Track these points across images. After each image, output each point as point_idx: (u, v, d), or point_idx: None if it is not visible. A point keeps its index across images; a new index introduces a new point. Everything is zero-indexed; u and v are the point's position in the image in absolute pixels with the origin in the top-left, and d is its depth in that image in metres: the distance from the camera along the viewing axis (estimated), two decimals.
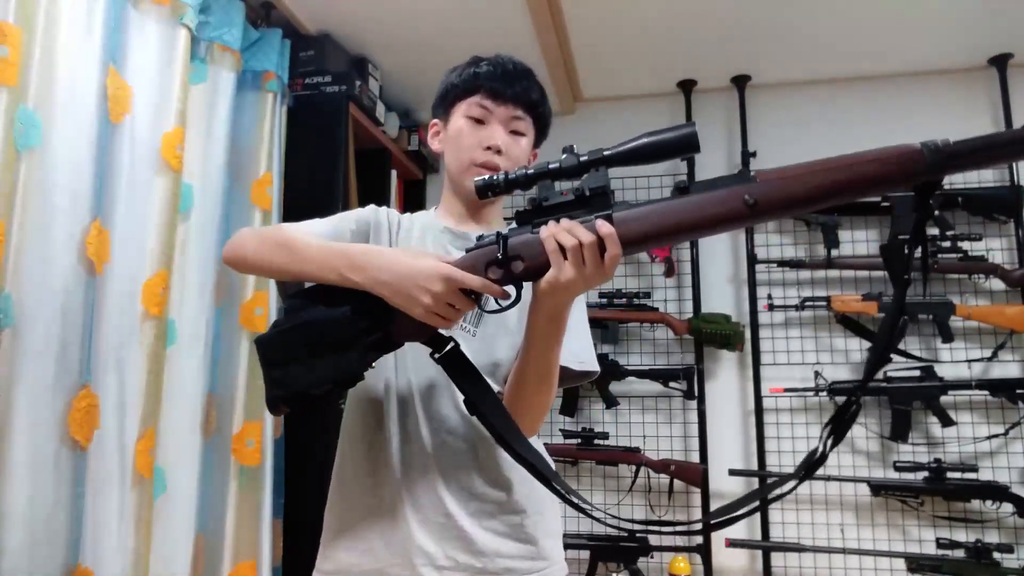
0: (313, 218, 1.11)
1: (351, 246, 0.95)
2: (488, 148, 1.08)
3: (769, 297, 2.48)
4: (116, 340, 1.51)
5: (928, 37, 2.34)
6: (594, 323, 2.53)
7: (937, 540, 2.21)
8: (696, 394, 2.47)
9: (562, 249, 0.83)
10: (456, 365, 0.92)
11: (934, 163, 0.73)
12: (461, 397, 0.97)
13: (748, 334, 2.49)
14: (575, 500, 0.89)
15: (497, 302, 0.89)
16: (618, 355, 2.57)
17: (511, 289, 0.90)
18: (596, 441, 2.45)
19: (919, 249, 0.79)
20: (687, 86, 2.69)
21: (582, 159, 0.85)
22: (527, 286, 0.91)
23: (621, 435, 2.56)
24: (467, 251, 0.92)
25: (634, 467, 2.44)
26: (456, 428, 1.04)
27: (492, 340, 1.06)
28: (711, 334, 2.44)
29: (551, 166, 0.86)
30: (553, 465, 0.95)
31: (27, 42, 1.34)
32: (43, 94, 1.37)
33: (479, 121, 1.10)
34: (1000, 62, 2.45)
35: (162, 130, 1.65)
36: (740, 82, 2.63)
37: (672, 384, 2.46)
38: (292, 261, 0.94)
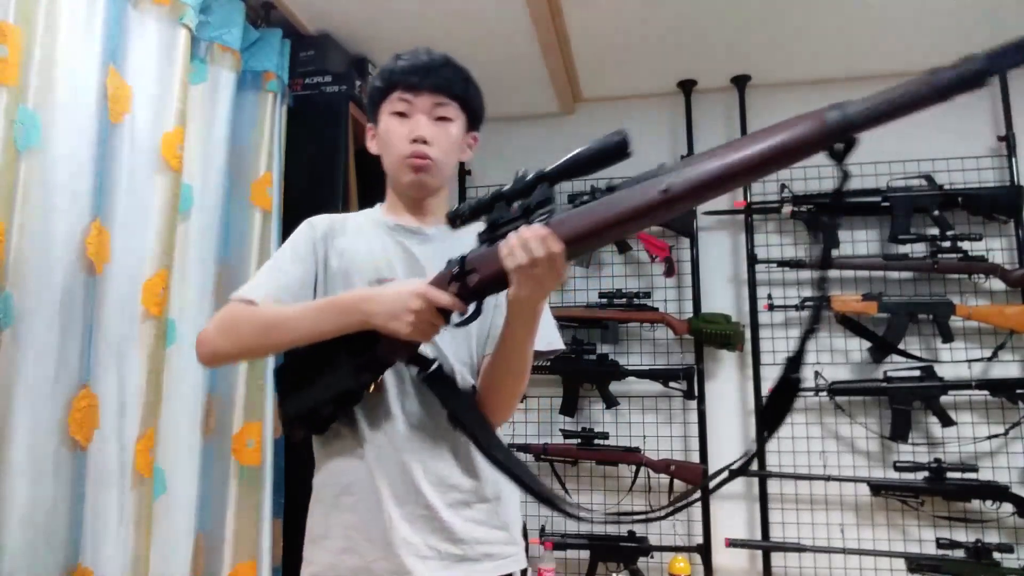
0: (312, 216, 1.18)
1: (341, 297, 1.02)
2: (415, 140, 1.11)
3: (769, 297, 2.48)
4: (116, 340, 1.51)
5: (928, 37, 2.34)
6: (594, 323, 2.54)
7: (937, 540, 2.21)
8: (696, 394, 2.46)
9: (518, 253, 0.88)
10: (440, 383, 1.01)
11: (841, 126, 0.73)
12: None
13: (748, 334, 2.49)
14: (551, 498, 0.95)
15: (460, 315, 0.97)
16: (618, 355, 2.57)
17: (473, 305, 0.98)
18: (596, 441, 2.45)
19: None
20: (687, 86, 2.68)
21: (527, 179, 0.91)
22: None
23: (621, 435, 2.56)
24: (438, 274, 0.99)
25: (634, 467, 2.44)
26: (430, 422, 1.07)
27: (466, 334, 1.11)
28: (711, 334, 2.44)
29: (504, 190, 0.93)
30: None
31: (27, 42, 1.35)
32: (43, 94, 1.37)
33: (403, 115, 1.13)
34: None
35: (162, 130, 1.65)
36: (740, 82, 2.63)
37: (672, 384, 2.46)
38: (283, 335, 1.02)
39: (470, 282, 0.93)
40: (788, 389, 0.79)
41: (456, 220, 0.96)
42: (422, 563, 1.02)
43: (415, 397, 1.07)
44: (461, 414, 1.00)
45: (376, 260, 1.12)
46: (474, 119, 1.19)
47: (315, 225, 1.17)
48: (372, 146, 1.20)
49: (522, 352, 1.03)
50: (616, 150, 0.84)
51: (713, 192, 0.79)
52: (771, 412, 0.81)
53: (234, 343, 1.04)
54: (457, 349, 1.10)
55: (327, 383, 1.02)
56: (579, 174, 0.88)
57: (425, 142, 1.11)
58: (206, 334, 1.05)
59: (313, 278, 1.12)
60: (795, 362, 0.79)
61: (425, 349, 1.03)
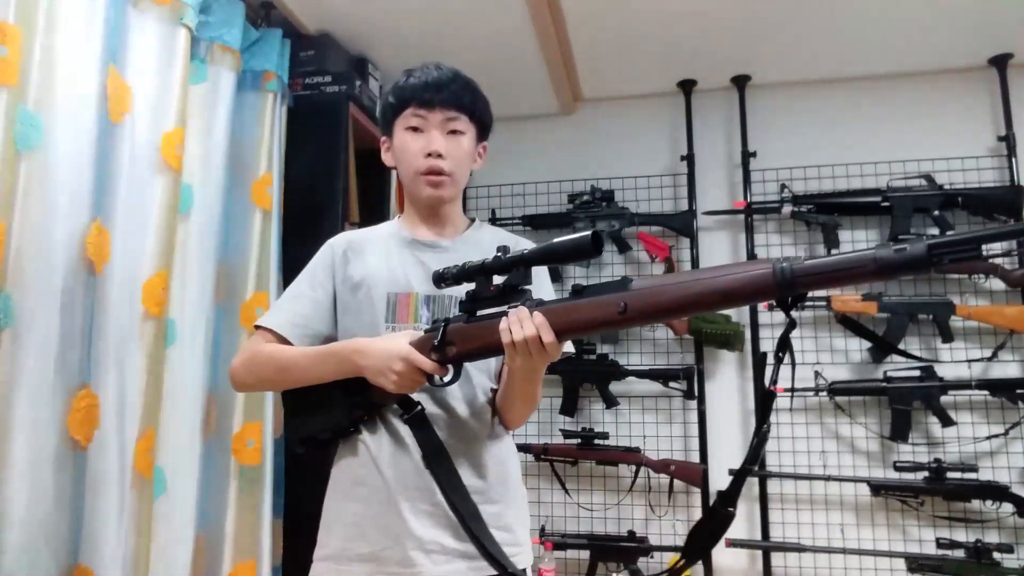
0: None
1: (338, 348, 1.12)
2: (429, 155, 1.17)
3: None
4: (116, 340, 1.51)
5: (928, 37, 2.34)
6: None
7: (937, 540, 2.21)
8: (696, 394, 2.47)
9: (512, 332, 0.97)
10: (420, 425, 1.09)
11: (783, 284, 0.80)
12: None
13: (748, 334, 2.49)
14: (491, 552, 1.05)
15: (440, 379, 1.07)
16: (618, 355, 2.57)
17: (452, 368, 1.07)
18: (596, 441, 2.45)
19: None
20: (687, 86, 2.68)
21: (508, 258, 1.00)
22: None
23: (621, 435, 2.56)
24: (425, 331, 1.08)
25: (634, 467, 2.44)
26: (445, 426, 1.12)
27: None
28: (711, 334, 2.44)
29: (487, 263, 1.01)
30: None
31: (27, 42, 1.34)
32: (43, 94, 1.37)
33: (417, 130, 1.18)
34: (1000, 62, 2.45)
35: (162, 130, 1.65)
36: (740, 82, 2.63)
37: (672, 384, 2.46)
38: (293, 377, 1.15)
39: (448, 353, 1.04)
40: (721, 520, 0.91)
41: (440, 283, 1.06)
42: (427, 557, 1.07)
43: (427, 401, 1.12)
44: (433, 457, 1.08)
45: (394, 274, 1.18)
46: (483, 130, 1.25)
47: (334, 247, 1.24)
48: (387, 158, 1.26)
49: (526, 392, 1.14)
50: (590, 248, 0.91)
51: (664, 318, 0.87)
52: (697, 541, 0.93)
53: (257, 380, 1.20)
54: (472, 368, 1.15)
55: (325, 415, 1.14)
56: (554, 263, 0.97)
57: (440, 155, 1.17)
58: (234, 368, 1.19)
59: (331, 300, 1.21)
60: (729, 497, 0.88)
61: None
